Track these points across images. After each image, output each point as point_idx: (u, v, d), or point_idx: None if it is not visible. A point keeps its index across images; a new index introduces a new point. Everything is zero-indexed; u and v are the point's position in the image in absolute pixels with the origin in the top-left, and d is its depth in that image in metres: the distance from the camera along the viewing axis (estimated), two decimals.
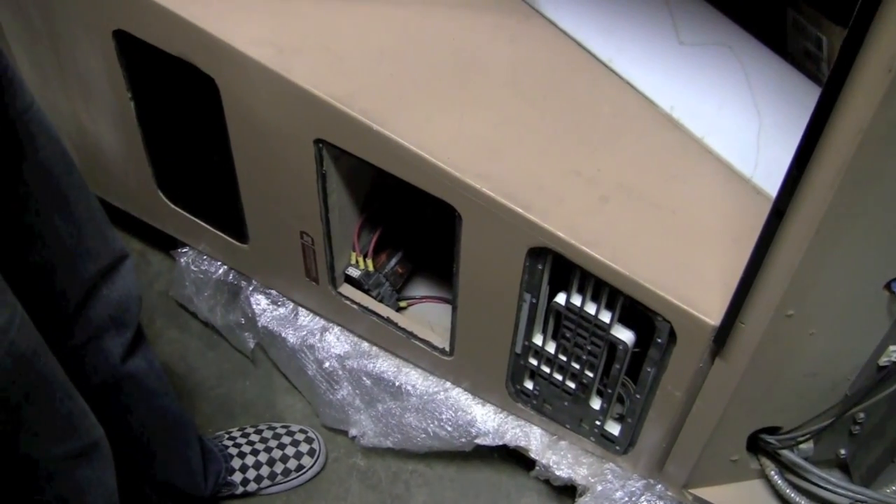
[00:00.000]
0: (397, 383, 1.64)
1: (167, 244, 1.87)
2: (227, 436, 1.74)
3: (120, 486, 1.45)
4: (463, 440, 1.61)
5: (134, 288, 1.31)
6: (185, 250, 1.83)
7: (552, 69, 1.37)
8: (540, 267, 1.27)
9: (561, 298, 1.31)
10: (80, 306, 1.24)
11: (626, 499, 1.49)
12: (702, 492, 1.46)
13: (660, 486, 1.49)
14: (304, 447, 1.74)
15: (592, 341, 1.33)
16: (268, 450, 1.73)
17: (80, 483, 1.18)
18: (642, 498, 1.49)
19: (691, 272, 1.19)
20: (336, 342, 1.70)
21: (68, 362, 1.19)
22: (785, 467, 1.39)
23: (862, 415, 1.30)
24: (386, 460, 1.76)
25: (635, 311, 1.23)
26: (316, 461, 1.74)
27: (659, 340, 1.23)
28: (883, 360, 1.19)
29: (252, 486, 1.71)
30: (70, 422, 1.14)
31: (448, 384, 1.62)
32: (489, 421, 1.59)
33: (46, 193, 1.13)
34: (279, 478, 1.71)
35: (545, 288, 1.32)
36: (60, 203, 1.15)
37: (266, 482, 1.71)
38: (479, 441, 1.60)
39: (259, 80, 1.32)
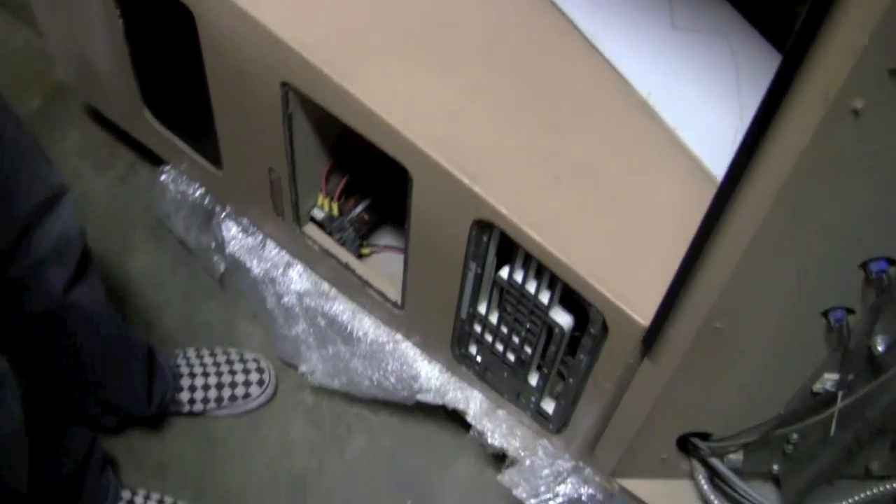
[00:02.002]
0: (350, 328, 1.63)
1: (157, 159, 1.86)
2: (182, 355, 1.75)
3: (64, 399, 1.47)
4: (405, 393, 1.60)
5: (75, 222, 1.31)
6: (167, 168, 1.82)
7: (530, 39, 1.33)
8: (485, 239, 1.25)
9: (505, 273, 1.29)
10: (17, 242, 1.23)
11: (553, 477, 1.48)
12: (629, 483, 1.45)
13: (588, 470, 1.48)
14: (254, 376, 1.75)
15: (531, 320, 1.31)
16: (218, 374, 1.74)
17: None
18: (569, 479, 1.48)
19: (633, 268, 1.16)
20: (297, 279, 1.69)
21: (7, 292, 1.19)
22: (715, 473, 1.37)
23: (795, 435, 1.28)
24: (333, 401, 1.76)
25: (575, 296, 1.20)
26: (264, 392, 1.75)
27: (592, 331, 1.21)
28: (817, 387, 1.16)
29: (198, 407, 1.72)
30: None
31: (399, 336, 1.61)
32: (433, 379, 1.58)
33: None
34: (225, 402, 1.73)
35: (492, 259, 1.30)
36: None
37: (212, 405, 1.72)
38: (420, 397, 1.59)
39: (230, 17, 1.30)
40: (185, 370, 1.74)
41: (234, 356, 1.78)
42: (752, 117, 0.83)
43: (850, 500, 1.30)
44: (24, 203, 1.22)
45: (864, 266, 0.97)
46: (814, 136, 0.80)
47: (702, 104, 1.29)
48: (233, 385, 1.74)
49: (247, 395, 1.74)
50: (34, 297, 1.31)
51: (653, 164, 1.25)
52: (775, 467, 1.36)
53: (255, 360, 1.78)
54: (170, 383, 1.68)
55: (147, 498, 1.62)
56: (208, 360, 1.76)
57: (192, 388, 1.73)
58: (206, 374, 1.74)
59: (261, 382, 1.76)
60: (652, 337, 1.12)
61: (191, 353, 1.77)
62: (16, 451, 1.28)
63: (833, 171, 0.85)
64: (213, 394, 1.73)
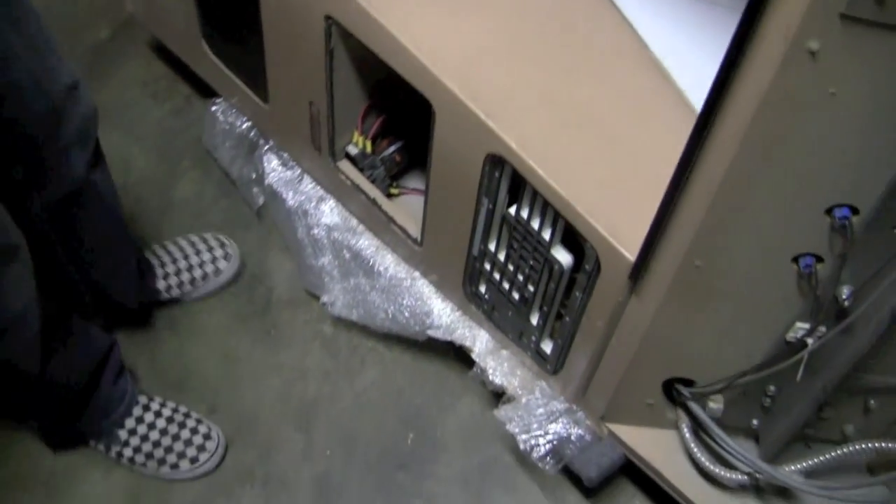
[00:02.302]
0: (372, 262, 1.73)
1: (211, 95, 1.97)
2: (148, 250, 1.89)
3: (62, 286, 1.58)
4: (417, 328, 1.69)
5: (93, 105, 1.43)
6: (218, 101, 1.93)
7: None
8: (497, 175, 1.33)
9: (513, 210, 1.37)
10: (56, 124, 1.35)
11: (545, 417, 1.56)
12: (617, 428, 1.52)
13: (581, 413, 1.56)
14: (219, 252, 1.90)
15: (534, 257, 1.39)
16: (186, 257, 1.88)
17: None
18: (561, 419, 1.56)
19: (627, 209, 1.24)
20: (329, 213, 1.79)
21: (35, 178, 1.31)
22: (699, 426, 1.44)
23: (772, 388, 1.35)
24: (350, 333, 1.86)
25: (574, 235, 1.29)
26: (231, 264, 1.90)
27: (587, 267, 1.30)
28: (790, 336, 1.23)
29: (175, 292, 1.86)
30: None
31: (416, 274, 1.70)
32: (444, 316, 1.67)
33: (2, 18, 1.22)
34: (198, 282, 1.87)
35: (503, 197, 1.38)
36: (17, 26, 1.24)
37: (188, 287, 1.86)
38: (430, 332, 1.68)
39: None
40: (155, 261, 1.86)
41: (195, 238, 1.91)
42: (724, 55, 0.92)
43: (822, 458, 1.37)
44: (56, 86, 1.33)
45: (829, 212, 1.04)
46: (775, 74, 0.89)
47: (714, 71, 1.36)
48: (201, 265, 1.87)
49: (217, 271, 1.88)
50: (62, 179, 1.42)
51: (659, 118, 1.33)
52: (755, 422, 1.43)
53: (215, 238, 1.92)
54: (157, 281, 1.83)
55: (163, 405, 1.72)
56: (173, 248, 1.89)
57: (166, 276, 1.85)
58: (174, 261, 1.87)
59: (226, 257, 1.89)
60: (638, 271, 1.21)
61: (156, 246, 1.90)
62: (28, 332, 1.39)
63: (794, 111, 0.92)
64: (185, 276, 1.86)
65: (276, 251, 1.96)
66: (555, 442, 1.55)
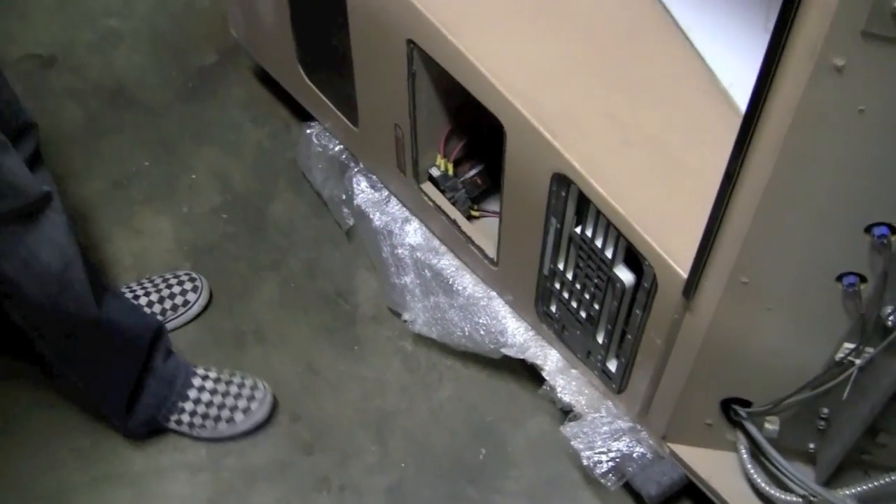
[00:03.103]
0: (452, 282, 1.80)
1: (307, 118, 2.08)
2: (125, 286, 1.99)
3: None
4: (492, 346, 1.76)
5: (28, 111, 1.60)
6: (313, 124, 2.04)
7: (628, 22, 1.48)
8: (563, 194, 1.40)
9: (579, 229, 1.43)
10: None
11: (609, 435, 1.60)
12: (678, 448, 1.56)
13: (644, 432, 1.59)
14: (188, 285, 1.99)
15: (598, 275, 1.45)
16: (158, 290, 1.97)
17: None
18: (624, 437, 1.60)
19: (683, 228, 1.28)
20: (413, 233, 1.87)
21: None
22: (757, 447, 1.46)
23: (825, 410, 1.37)
24: (430, 351, 1.93)
25: (634, 253, 1.34)
26: (199, 295, 1.99)
27: (645, 284, 1.34)
28: (838, 356, 1.25)
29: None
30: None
31: (493, 294, 1.77)
32: (518, 335, 1.73)
33: None
34: (168, 313, 1.96)
35: (570, 216, 1.44)
36: None
37: (159, 318, 1.94)
38: (504, 350, 1.74)
39: None
40: (128, 294, 1.96)
41: (167, 274, 2.01)
42: (758, 72, 0.97)
43: (875, 483, 1.38)
44: None
45: (868, 231, 1.07)
46: (805, 89, 0.93)
47: None
48: (171, 296, 1.97)
49: (186, 303, 1.97)
50: None
51: (721, 143, 1.36)
52: (811, 445, 1.45)
53: (185, 274, 2.01)
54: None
55: (210, 371, 1.85)
56: (147, 283, 1.99)
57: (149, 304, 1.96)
58: (147, 293, 1.97)
59: (195, 289, 1.99)
60: (690, 286, 1.25)
61: (131, 283, 2.00)
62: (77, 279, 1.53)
63: (825, 127, 0.97)
64: (157, 308, 1.96)
65: (362, 269, 2.05)
66: (617, 459, 1.59)
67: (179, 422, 1.81)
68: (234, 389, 1.83)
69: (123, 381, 1.73)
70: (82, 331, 1.61)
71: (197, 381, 1.82)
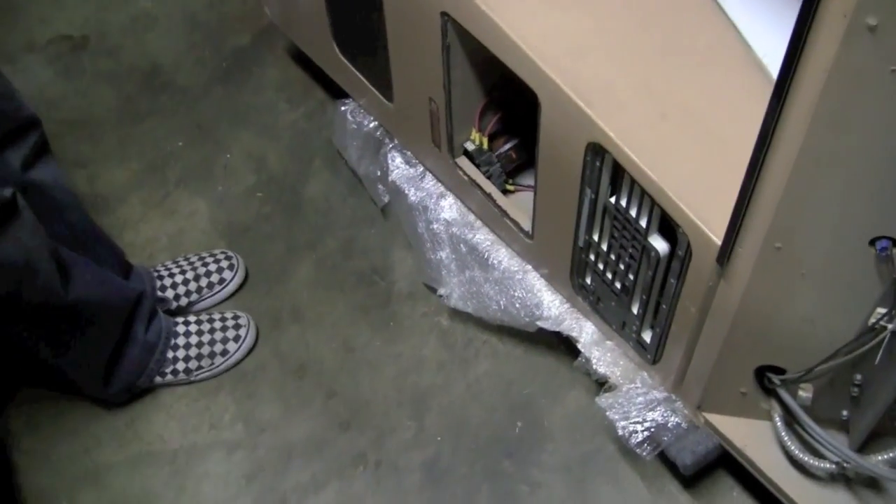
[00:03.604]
0: (487, 256, 1.82)
1: (342, 97, 2.10)
2: (160, 264, 2.02)
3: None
4: (527, 319, 1.77)
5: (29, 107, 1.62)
6: (348, 101, 2.06)
7: None
8: (598, 164, 1.40)
9: (613, 199, 1.44)
10: None
11: (644, 405, 1.61)
12: (714, 418, 1.56)
13: (679, 403, 1.61)
14: (224, 263, 2.02)
15: (633, 245, 1.46)
16: (193, 268, 2.01)
17: None
18: (659, 407, 1.61)
19: (717, 196, 1.28)
20: (448, 208, 1.89)
21: None
22: (791, 415, 1.47)
23: (859, 376, 1.37)
24: (466, 326, 1.94)
25: (668, 222, 1.35)
26: (235, 273, 2.02)
27: (679, 253, 1.35)
28: (871, 321, 1.26)
29: (183, 301, 1.99)
30: None
31: (528, 268, 1.78)
32: (553, 308, 1.75)
33: None
34: (205, 291, 1.99)
35: (605, 187, 1.45)
36: None
37: (195, 296, 1.99)
38: (539, 323, 1.76)
39: None
40: (164, 273, 1.99)
41: (203, 253, 2.04)
42: (791, 33, 0.97)
43: None
44: None
45: None
46: (838, 50, 0.94)
47: None
48: (207, 274, 2.00)
49: (222, 280, 2.00)
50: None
51: (756, 114, 1.37)
52: (844, 413, 1.45)
53: (222, 252, 2.04)
54: (146, 284, 1.93)
55: (192, 318, 1.92)
56: (182, 261, 2.03)
57: (174, 286, 1.98)
58: (183, 272, 2.00)
59: (231, 267, 2.02)
60: (724, 254, 1.26)
61: (166, 261, 2.04)
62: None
63: (859, 87, 0.97)
64: (192, 286, 1.99)
65: (398, 247, 2.07)
66: (652, 429, 1.60)
67: (175, 371, 1.86)
68: (217, 324, 1.90)
69: (100, 356, 1.77)
70: (54, 316, 1.64)
71: (181, 328, 1.88)
